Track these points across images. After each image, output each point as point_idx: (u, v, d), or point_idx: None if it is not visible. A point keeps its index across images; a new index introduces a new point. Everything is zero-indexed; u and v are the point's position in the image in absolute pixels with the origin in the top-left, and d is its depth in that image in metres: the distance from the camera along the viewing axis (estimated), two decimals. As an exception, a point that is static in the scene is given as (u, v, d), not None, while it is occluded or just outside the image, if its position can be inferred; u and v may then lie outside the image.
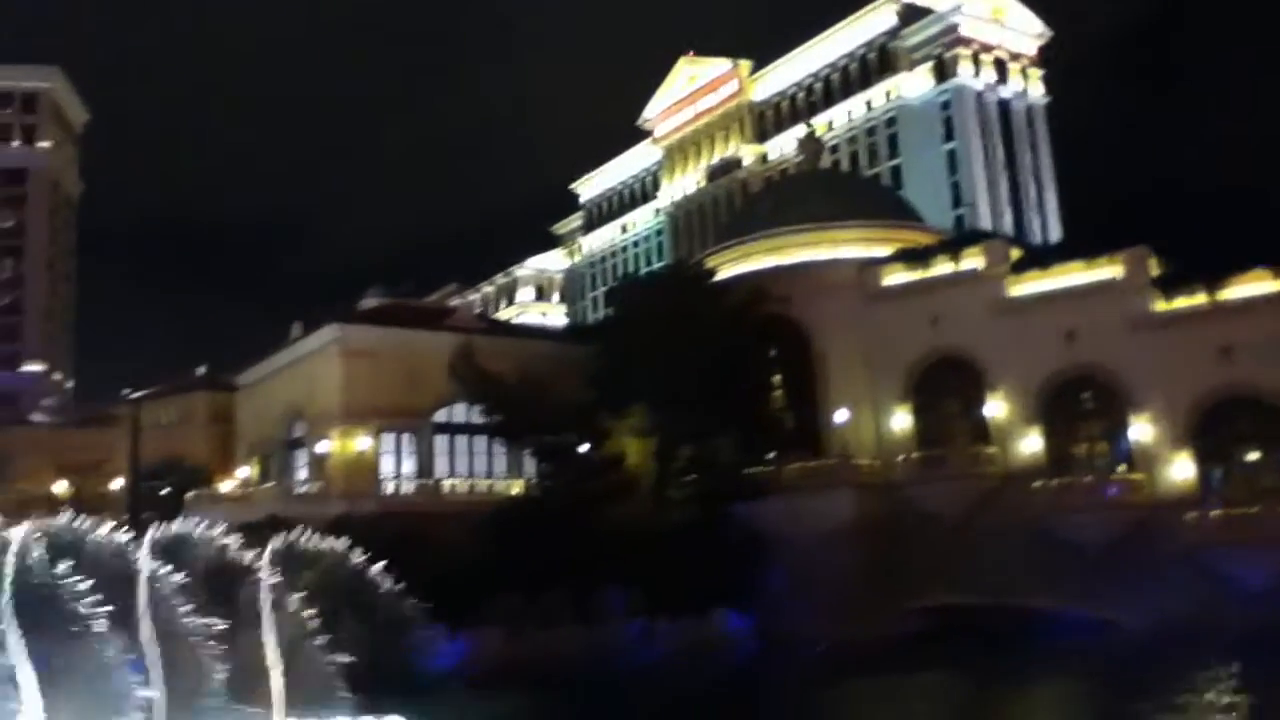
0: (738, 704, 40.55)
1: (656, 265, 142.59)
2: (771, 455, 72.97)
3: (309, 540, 33.81)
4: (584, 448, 70.77)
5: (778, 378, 78.16)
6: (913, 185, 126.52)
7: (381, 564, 37.75)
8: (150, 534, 28.65)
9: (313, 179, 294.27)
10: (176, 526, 30.17)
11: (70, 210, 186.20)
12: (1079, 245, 73.93)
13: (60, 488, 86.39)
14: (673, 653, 55.93)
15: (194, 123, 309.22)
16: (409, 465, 74.55)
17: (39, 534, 25.26)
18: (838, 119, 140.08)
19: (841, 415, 73.20)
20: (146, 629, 29.99)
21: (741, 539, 66.93)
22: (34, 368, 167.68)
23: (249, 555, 33.30)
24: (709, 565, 61.58)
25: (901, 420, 72.54)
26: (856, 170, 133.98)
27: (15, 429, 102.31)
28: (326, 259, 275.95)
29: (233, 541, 32.79)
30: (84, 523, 28.08)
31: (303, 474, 76.44)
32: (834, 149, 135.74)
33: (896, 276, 75.08)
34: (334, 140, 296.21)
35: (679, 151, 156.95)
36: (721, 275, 79.99)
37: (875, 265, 76.06)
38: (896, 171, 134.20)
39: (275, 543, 30.93)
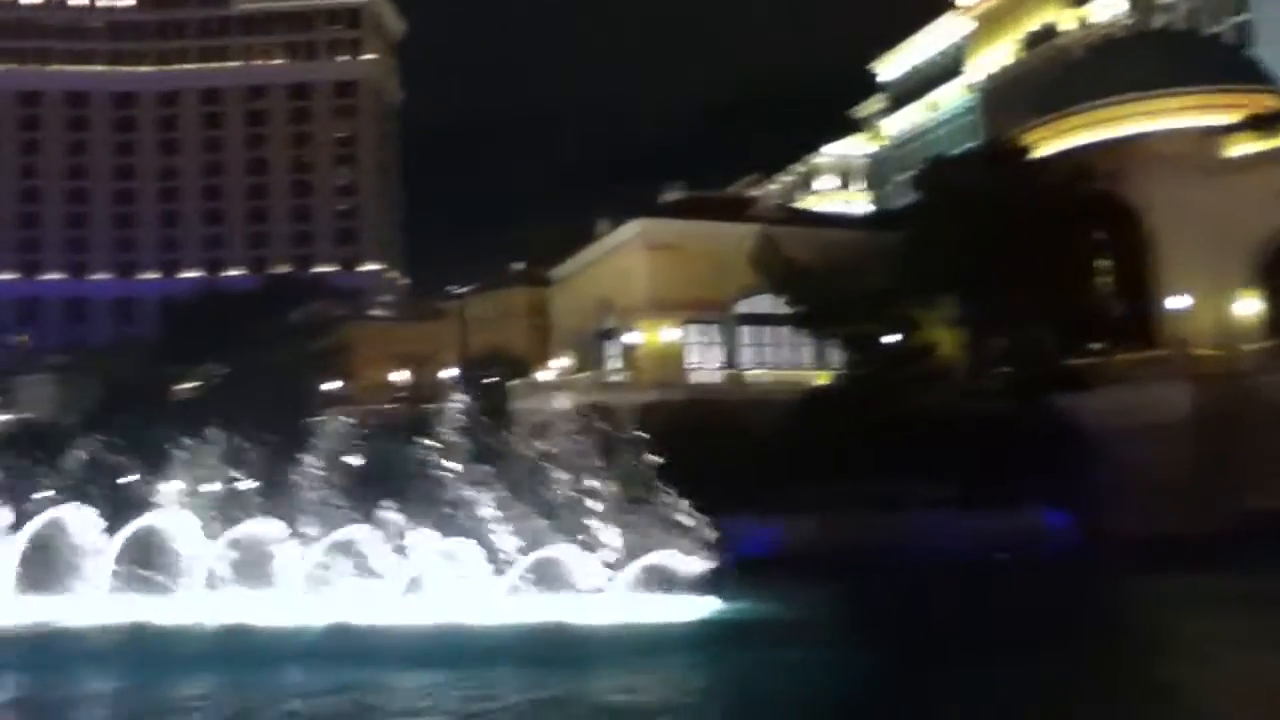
0: (1054, 599, 38.97)
1: (967, 145, 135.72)
2: (1095, 345, 68.65)
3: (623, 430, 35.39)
4: (891, 337, 69.20)
5: (1102, 262, 73.02)
6: (1264, 44, 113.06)
7: (691, 451, 38.84)
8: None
9: (607, 74, 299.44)
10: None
11: (393, 117, 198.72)
12: None
13: (398, 377, 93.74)
14: (983, 546, 54.37)
15: (491, 28, 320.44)
16: (715, 355, 75.63)
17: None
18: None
19: (1177, 301, 67.62)
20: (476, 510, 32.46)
21: (1060, 431, 63.65)
22: (371, 267, 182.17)
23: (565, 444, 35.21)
24: (1023, 457, 59.02)
25: (1248, 306, 66.17)
26: (1194, 29, 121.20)
27: (358, 324, 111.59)
28: (626, 154, 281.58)
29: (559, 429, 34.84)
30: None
31: (614, 364, 79.20)
32: (1167, 7, 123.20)
33: (1243, 146, 67.90)
34: (625, 37, 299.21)
35: (990, 21, 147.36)
36: (1039, 152, 75.04)
37: (1217, 135, 69.03)
38: (1242, 29, 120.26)
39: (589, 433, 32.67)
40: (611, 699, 23.65)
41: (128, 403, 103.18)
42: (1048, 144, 76.10)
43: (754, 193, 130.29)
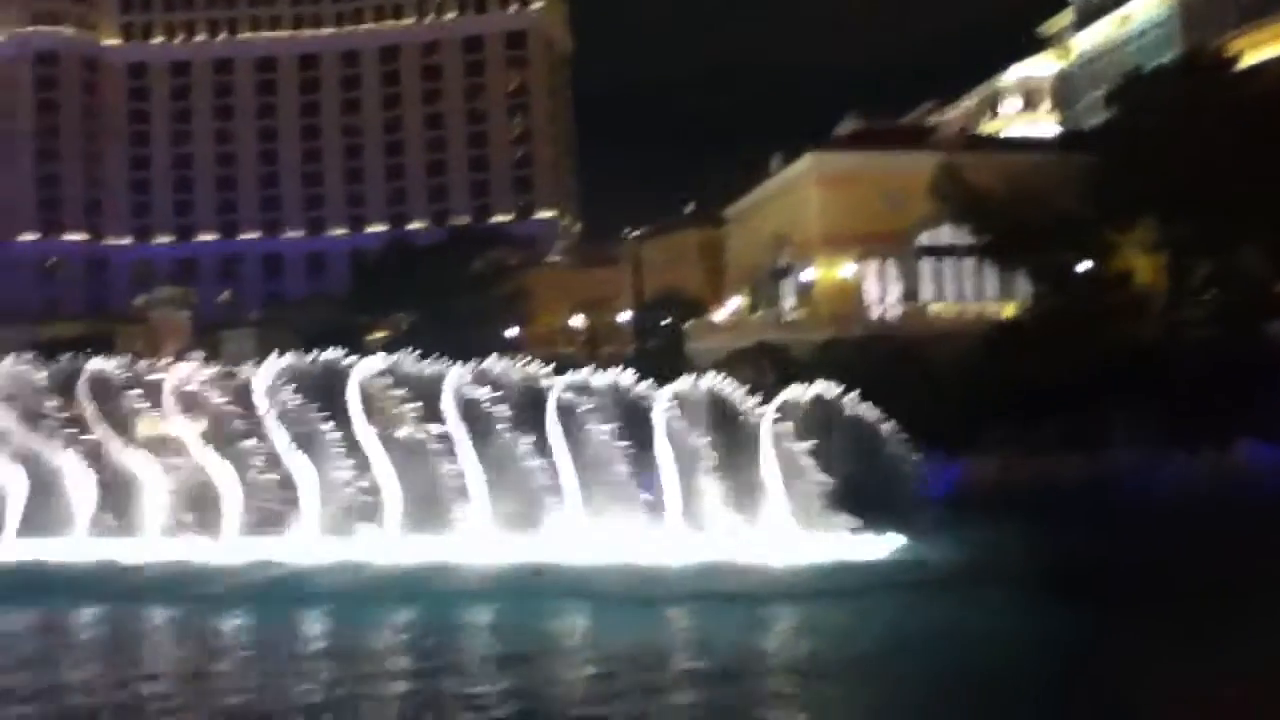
0: (1269, 543, 36.31)
1: (1164, 59, 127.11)
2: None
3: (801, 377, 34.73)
4: (1083, 265, 65.72)
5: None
6: None
7: (870, 389, 37.79)
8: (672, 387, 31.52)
9: (777, 16, 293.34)
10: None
11: (564, 66, 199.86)
12: None
13: (576, 321, 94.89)
14: (1186, 485, 51.30)
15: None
16: (894, 290, 73.58)
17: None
18: None
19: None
20: (663, 453, 32.39)
21: (1271, 362, 59.34)
22: (545, 214, 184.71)
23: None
24: (1232, 391, 55.28)
25: None
26: None
27: (535, 270, 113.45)
28: (799, 88, 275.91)
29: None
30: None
31: (790, 301, 78.05)
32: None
33: None
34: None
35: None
36: (1244, 63, 69.50)
37: None
38: None
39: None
40: (815, 640, 23.45)
41: (322, 354, 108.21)
42: (1256, 51, 70.55)
43: (933, 120, 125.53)
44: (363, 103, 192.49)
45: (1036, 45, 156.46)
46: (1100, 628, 23.48)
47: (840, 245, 72.16)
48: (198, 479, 36.82)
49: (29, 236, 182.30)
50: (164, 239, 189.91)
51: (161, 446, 40.54)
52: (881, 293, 73.69)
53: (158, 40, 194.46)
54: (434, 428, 35.56)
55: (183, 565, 32.40)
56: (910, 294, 73.50)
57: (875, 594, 26.67)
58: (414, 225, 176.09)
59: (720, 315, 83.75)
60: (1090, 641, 22.18)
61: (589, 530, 32.20)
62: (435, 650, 23.17)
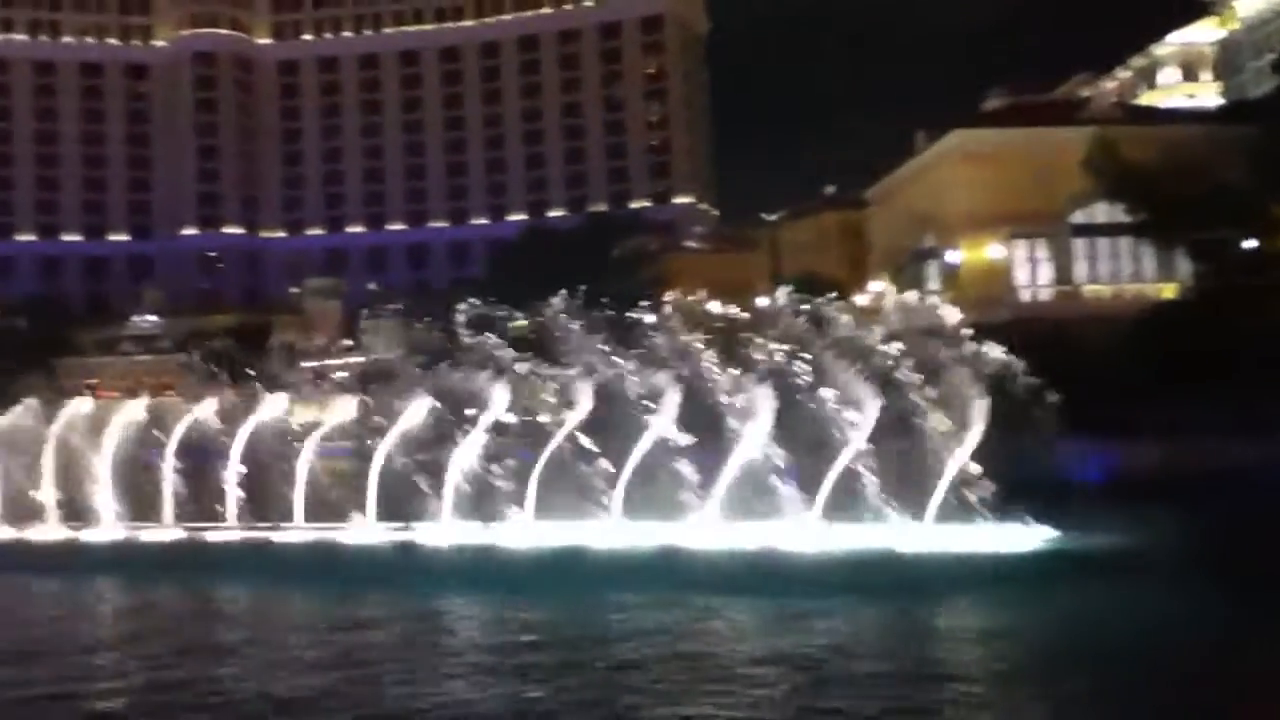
0: None
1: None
2: None
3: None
4: (1247, 242, 62.26)
5: None
6: None
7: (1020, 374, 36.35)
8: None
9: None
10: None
11: (699, 47, 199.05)
12: None
13: (713, 307, 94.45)
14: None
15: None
16: (1045, 271, 71.02)
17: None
18: None
19: None
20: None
21: None
22: (683, 199, 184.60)
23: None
24: None
25: None
26: None
27: (672, 255, 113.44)
28: (943, 62, 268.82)
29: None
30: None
31: (934, 284, 76.11)
32: None
33: None
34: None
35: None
36: None
37: None
38: None
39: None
40: (961, 629, 22.79)
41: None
42: None
43: (1086, 93, 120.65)
44: (503, 93, 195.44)
45: (1196, 11, 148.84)
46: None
47: (987, 225, 69.93)
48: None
49: (190, 231, 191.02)
50: (315, 231, 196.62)
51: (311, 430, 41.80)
52: (1031, 275, 71.19)
53: (307, 38, 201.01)
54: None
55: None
56: (1062, 275, 70.79)
57: (1038, 584, 25.73)
58: (553, 213, 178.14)
59: (861, 299, 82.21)
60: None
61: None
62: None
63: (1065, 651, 21.19)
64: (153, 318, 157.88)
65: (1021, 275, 71.14)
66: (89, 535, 40.08)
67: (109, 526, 40.76)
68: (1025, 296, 69.97)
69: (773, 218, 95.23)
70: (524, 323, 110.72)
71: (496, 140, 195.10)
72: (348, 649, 23.23)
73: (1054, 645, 21.91)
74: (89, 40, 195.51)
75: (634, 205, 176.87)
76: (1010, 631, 23.10)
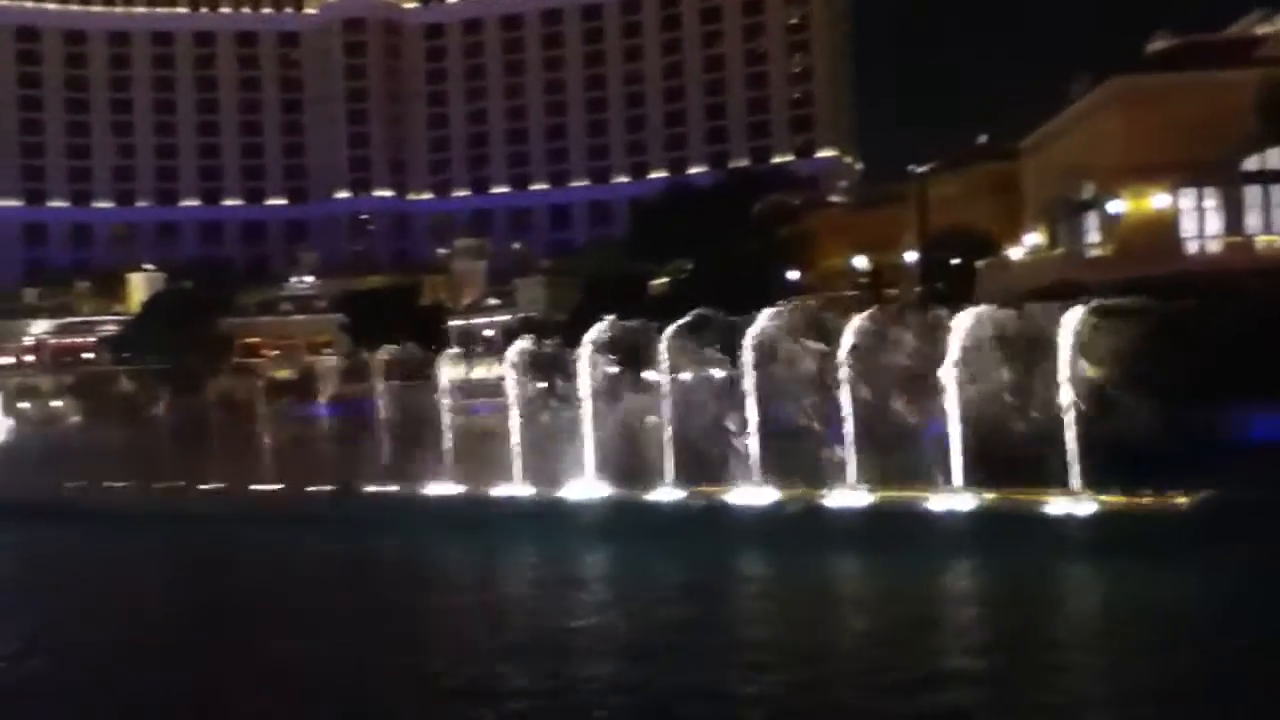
0: None
1: None
2: None
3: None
4: None
5: None
6: None
7: (1183, 331, 34.26)
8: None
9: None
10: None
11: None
12: None
13: (858, 262, 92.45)
14: None
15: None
16: (1213, 222, 67.07)
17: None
18: None
19: None
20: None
21: None
22: (826, 153, 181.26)
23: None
24: None
25: None
26: None
27: (816, 212, 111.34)
28: (1097, 4, 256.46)
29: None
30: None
31: (1093, 237, 72.72)
32: None
33: None
34: None
35: None
36: None
37: None
38: None
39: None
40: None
41: (606, 299, 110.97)
42: None
43: (1261, 31, 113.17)
44: (644, 50, 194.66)
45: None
46: None
47: (1151, 175, 66.23)
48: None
49: (343, 195, 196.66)
50: (461, 193, 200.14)
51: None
52: (1199, 225, 67.27)
53: (451, 1, 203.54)
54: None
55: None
56: (1232, 226, 66.70)
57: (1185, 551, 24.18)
58: (694, 170, 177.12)
59: (1015, 253, 79.19)
60: None
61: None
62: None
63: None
64: (309, 279, 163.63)
65: (1189, 226, 67.31)
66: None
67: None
68: (1193, 248, 66.21)
69: (920, 170, 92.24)
70: (664, 281, 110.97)
71: (637, 98, 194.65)
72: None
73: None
74: (245, 11, 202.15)
75: (776, 160, 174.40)
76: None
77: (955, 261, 77.43)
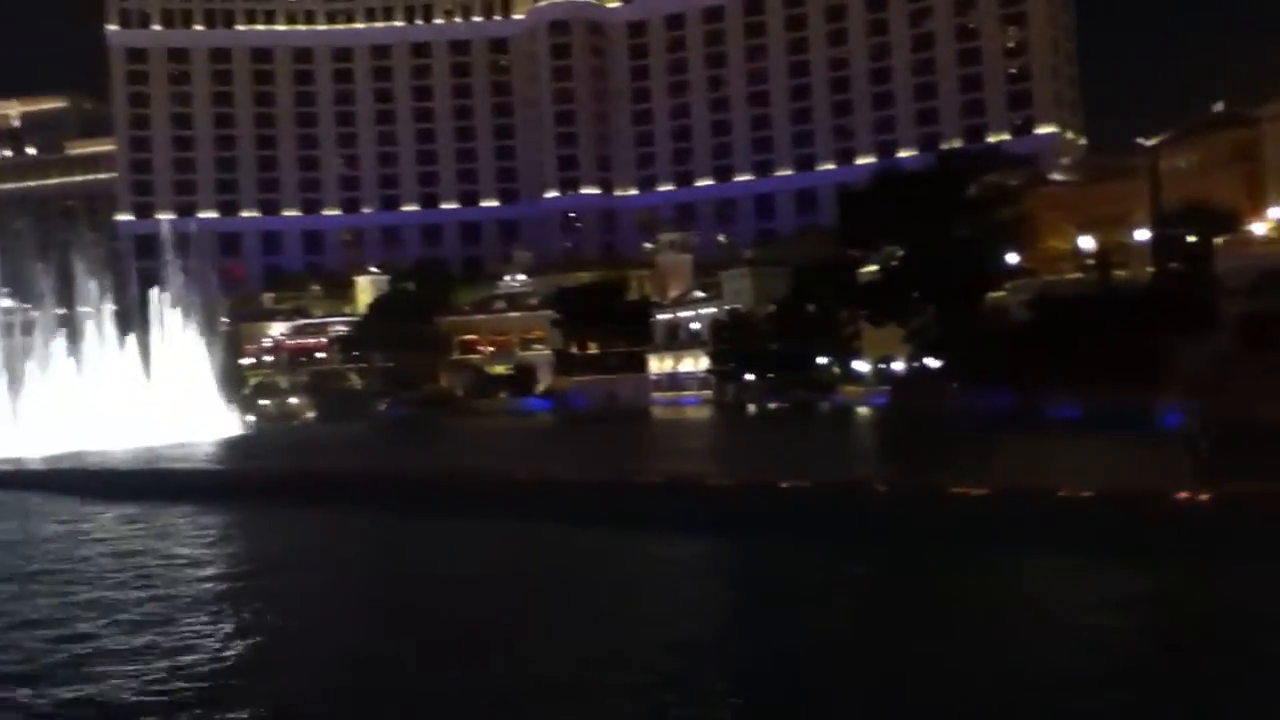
0: None
1: None
2: None
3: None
4: None
5: None
6: None
7: None
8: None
9: None
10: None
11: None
12: None
13: (1084, 242, 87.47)
14: None
15: None
16: None
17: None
18: None
19: None
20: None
21: None
22: (1046, 129, 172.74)
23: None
24: None
25: None
26: None
27: (1036, 191, 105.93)
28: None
29: None
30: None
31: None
32: None
33: None
34: None
35: None
36: None
37: None
38: None
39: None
40: None
41: (814, 289, 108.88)
42: None
43: None
44: (849, 33, 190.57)
45: None
46: None
47: None
48: None
49: (552, 194, 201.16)
50: (665, 187, 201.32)
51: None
52: None
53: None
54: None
55: None
56: None
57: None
58: (903, 153, 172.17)
59: (1258, 228, 73.07)
60: None
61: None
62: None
63: None
64: (521, 277, 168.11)
65: None
66: None
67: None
68: None
69: (1150, 143, 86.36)
70: (874, 269, 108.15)
71: (842, 83, 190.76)
72: None
73: None
74: (457, 20, 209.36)
75: (991, 139, 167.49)
76: None
77: (1191, 239, 72.10)
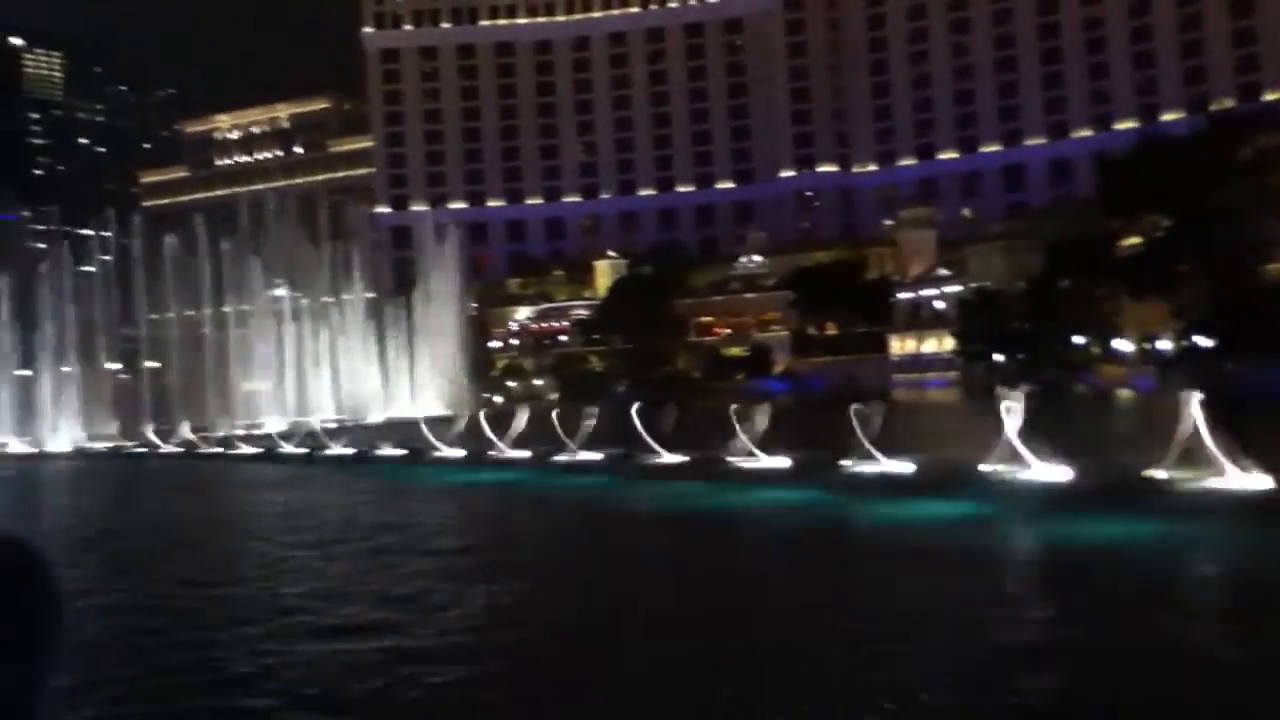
0: None
1: None
2: None
3: None
4: None
5: None
6: None
7: None
8: None
9: None
10: None
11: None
12: None
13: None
14: None
15: None
16: None
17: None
18: None
19: None
20: None
21: None
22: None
23: None
24: None
25: None
26: None
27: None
28: None
29: None
30: None
31: None
32: None
33: None
34: None
35: None
36: None
37: None
38: None
39: None
40: None
41: (1069, 264, 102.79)
42: None
43: None
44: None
45: None
46: None
47: None
48: None
49: (787, 173, 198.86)
50: (906, 161, 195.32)
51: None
52: None
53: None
54: None
55: None
56: None
57: None
58: (1167, 116, 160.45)
59: None
60: None
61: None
62: None
63: None
64: (757, 258, 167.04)
65: None
66: None
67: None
68: None
69: None
70: (1137, 241, 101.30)
71: (1097, 43, 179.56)
72: None
73: None
74: (692, 2, 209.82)
75: (1268, 98, 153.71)
76: None
77: None
